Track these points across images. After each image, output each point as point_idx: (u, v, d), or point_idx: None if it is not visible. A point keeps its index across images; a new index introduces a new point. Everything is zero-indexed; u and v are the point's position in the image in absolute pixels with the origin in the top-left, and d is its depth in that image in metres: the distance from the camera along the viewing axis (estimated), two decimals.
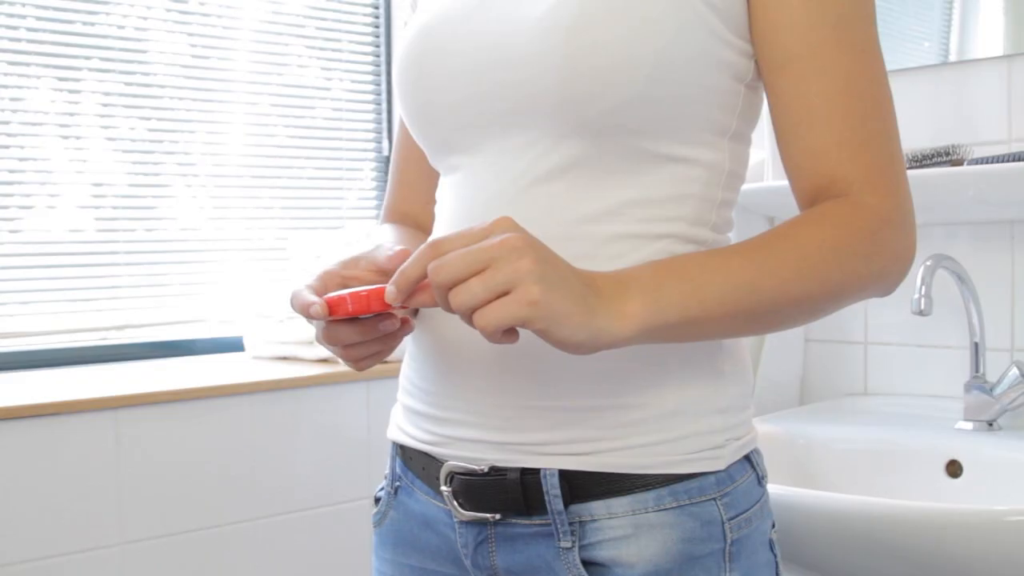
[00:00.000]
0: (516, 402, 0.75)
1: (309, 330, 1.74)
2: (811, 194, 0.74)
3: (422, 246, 0.64)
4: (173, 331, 1.88)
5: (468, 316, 0.61)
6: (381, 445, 1.66)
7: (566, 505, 0.74)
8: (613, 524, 0.74)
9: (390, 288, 0.64)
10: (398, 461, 0.87)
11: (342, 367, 1.67)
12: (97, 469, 1.43)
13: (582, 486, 0.74)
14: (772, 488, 1.08)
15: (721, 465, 0.76)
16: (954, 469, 1.23)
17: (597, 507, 0.74)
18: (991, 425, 1.28)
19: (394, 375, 0.90)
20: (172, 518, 1.49)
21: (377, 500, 0.89)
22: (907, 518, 0.99)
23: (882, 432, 1.31)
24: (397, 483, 0.86)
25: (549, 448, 0.74)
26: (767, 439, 1.33)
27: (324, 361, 1.73)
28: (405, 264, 0.64)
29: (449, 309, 0.62)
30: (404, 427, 0.85)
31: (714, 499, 0.75)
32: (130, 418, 1.45)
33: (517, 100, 0.74)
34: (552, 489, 0.74)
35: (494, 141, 0.77)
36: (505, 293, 0.60)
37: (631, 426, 0.74)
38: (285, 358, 1.79)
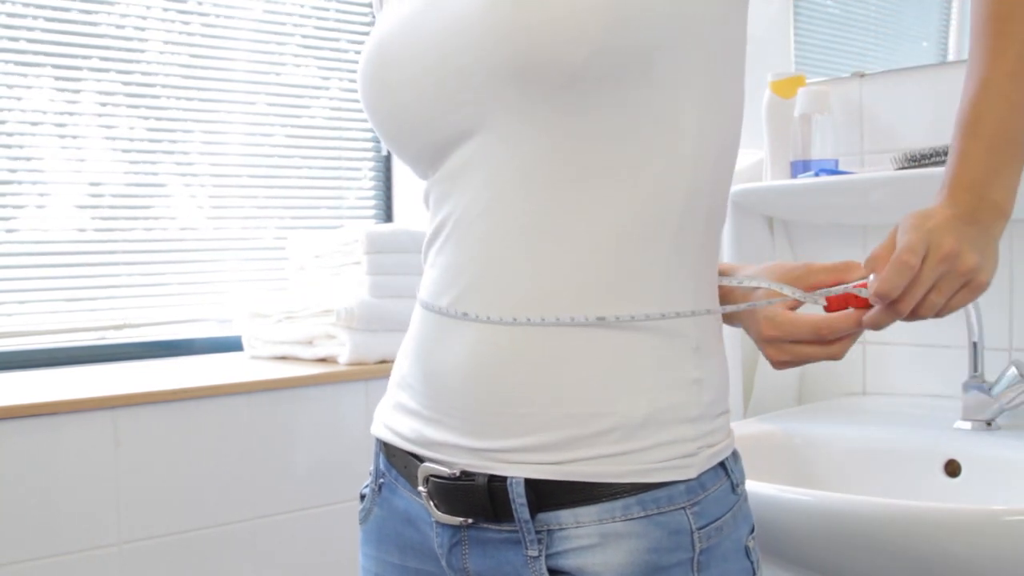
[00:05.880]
0: (489, 408, 0.74)
1: (306, 330, 1.73)
2: None
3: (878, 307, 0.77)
4: (171, 331, 1.88)
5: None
6: None
7: (533, 514, 0.73)
8: (580, 533, 0.73)
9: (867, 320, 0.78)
10: (382, 458, 0.86)
11: (340, 367, 1.67)
12: (96, 469, 1.42)
13: (550, 494, 0.73)
14: (770, 488, 1.08)
15: (692, 473, 0.74)
16: (952, 468, 1.23)
17: (564, 516, 0.73)
18: (990, 425, 1.28)
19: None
20: (171, 518, 1.49)
21: (362, 497, 0.89)
22: (905, 518, 0.99)
23: (880, 432, 1.31)
24: (381, 479, 0.86)
25: (516, 456, 0.73)
26: (765, 439, 1.33)
27: (322, 361, 1.73)
28: (876, 313, 0.77)
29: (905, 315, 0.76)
30: (390, 424, 0.84)
31: (683, 508, 0.74)
32: (129, 418, 1.45)
33: (480, 87, 0.72)
34: (518, 498, 0.73)
35: (472, 140, 0.75)
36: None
37: (600, 435, 0.72)
38: (284, 358, 1.79)
